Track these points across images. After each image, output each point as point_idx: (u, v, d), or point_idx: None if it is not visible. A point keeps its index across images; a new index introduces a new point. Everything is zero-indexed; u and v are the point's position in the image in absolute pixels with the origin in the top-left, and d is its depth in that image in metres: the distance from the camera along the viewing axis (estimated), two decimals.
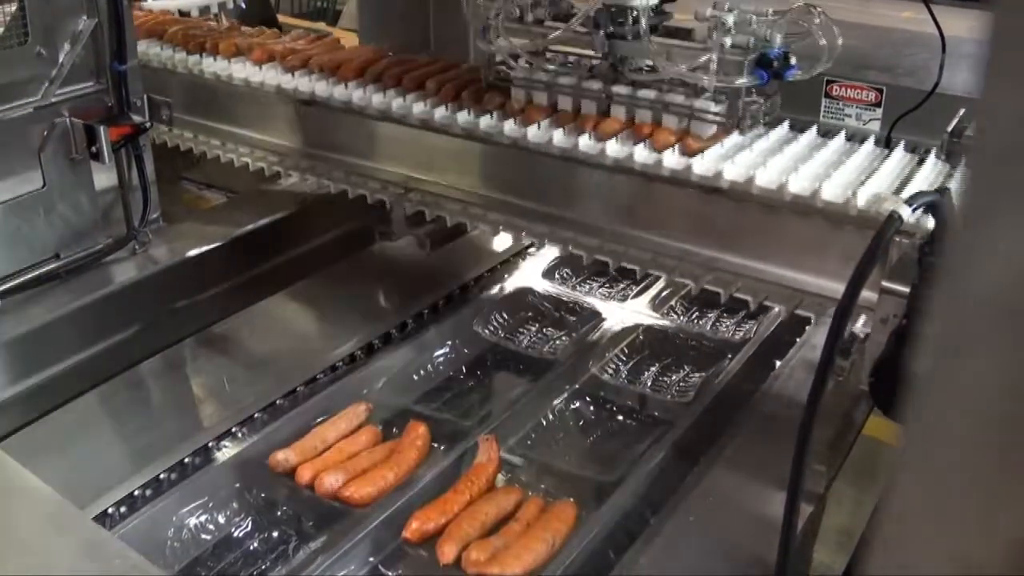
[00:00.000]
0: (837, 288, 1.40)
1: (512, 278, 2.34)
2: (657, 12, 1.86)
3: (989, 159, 0.32)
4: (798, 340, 2.05)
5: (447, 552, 1.48)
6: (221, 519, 1.64)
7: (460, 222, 2.13)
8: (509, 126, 1.95)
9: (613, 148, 1.83)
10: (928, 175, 1.74)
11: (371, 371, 1.97)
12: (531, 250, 2.44)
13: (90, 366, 1.98)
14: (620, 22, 1.84)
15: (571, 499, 1.64)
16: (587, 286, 2.38)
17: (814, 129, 1.93)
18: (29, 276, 2.01)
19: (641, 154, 1.80)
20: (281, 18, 5.04)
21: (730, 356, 2.03)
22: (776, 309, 2.12)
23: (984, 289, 0.32)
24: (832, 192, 1.63)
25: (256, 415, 1.82)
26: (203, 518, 1.63)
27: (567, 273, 2.41)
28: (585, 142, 1.86)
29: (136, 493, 1.61)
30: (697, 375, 2.05)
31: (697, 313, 2.26)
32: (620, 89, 1.90)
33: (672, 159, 1.79)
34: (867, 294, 1.37)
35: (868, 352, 1.51)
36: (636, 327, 2.14)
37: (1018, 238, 0.30)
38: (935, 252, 1.41)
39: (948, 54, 2.20)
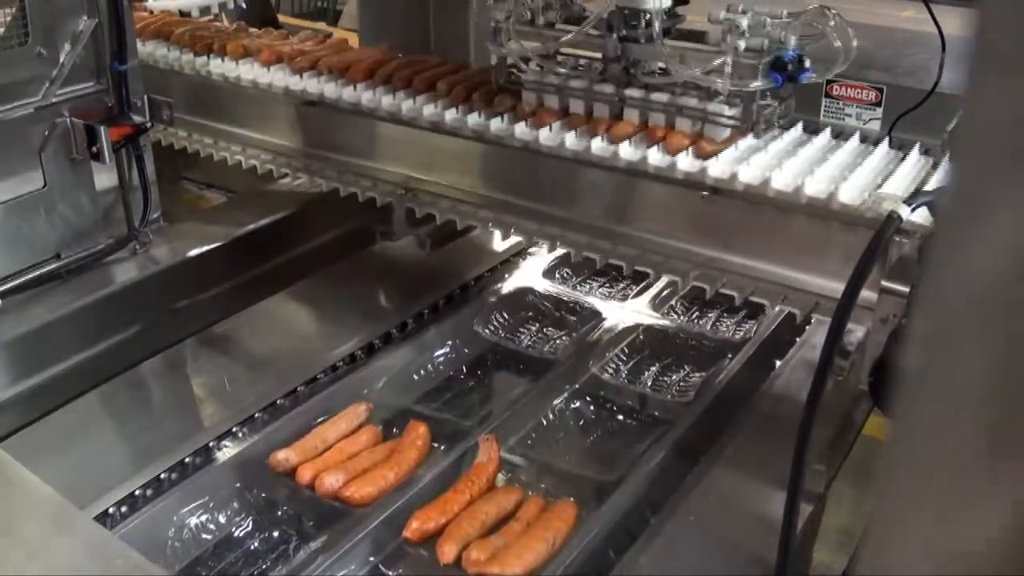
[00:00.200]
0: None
1: (512, 278, 2.35)
2: (670, 15, 1.85)
3: (975, 152, 0.32)
4: (798, 340, 2.05)
5: (447, 552, 1.48)
6: (222, 519, 1.64)
7: (470, 224, 2.13)
8: (520, 129, 1.94)
9: (626, 151, 1.82)
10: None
11: (371, 371, 1.97)
12: (531, 250, 2.44)
13: (91, 366, 1.99)
14: (633, 25, 1.83)
15: (571, 499, 1.64)
16: (587, 286, 2.38)
17: (828, 131, 1.93)
18: (30, 276, 2.01)
19: (655, 157, 1.79)
20: (281, 18, 5.04)
21: (730, 356, 2.03)
22: (776, 308, 2.12)
23: (971, 283, 0.32)
24: (849, 195, 1.62)
25: (257, 415, 1.82)
26: (204, 518, 1.63)
27: (567, 273, 2.41)
28: (598, 145, 1.85)
29: (137, 493, 1.61)
30: (697, 375, 2.05)
31: (697, 313, 2.26)
32: (633, 92, 1.89)
33: (686, 162, 1.77)
34: (867, 294, 1.38)
35: (868, 352, 1.52)
36: (636, 327, 2.15)
37: (1005, 231, 0.30)
38: None
39: (948, 54, 2.19)
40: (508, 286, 2.31)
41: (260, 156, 2.42)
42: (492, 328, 2.20)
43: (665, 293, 2.27)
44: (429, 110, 2.06)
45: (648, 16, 1.81)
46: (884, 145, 1.86)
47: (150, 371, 1.98)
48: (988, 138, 0.31)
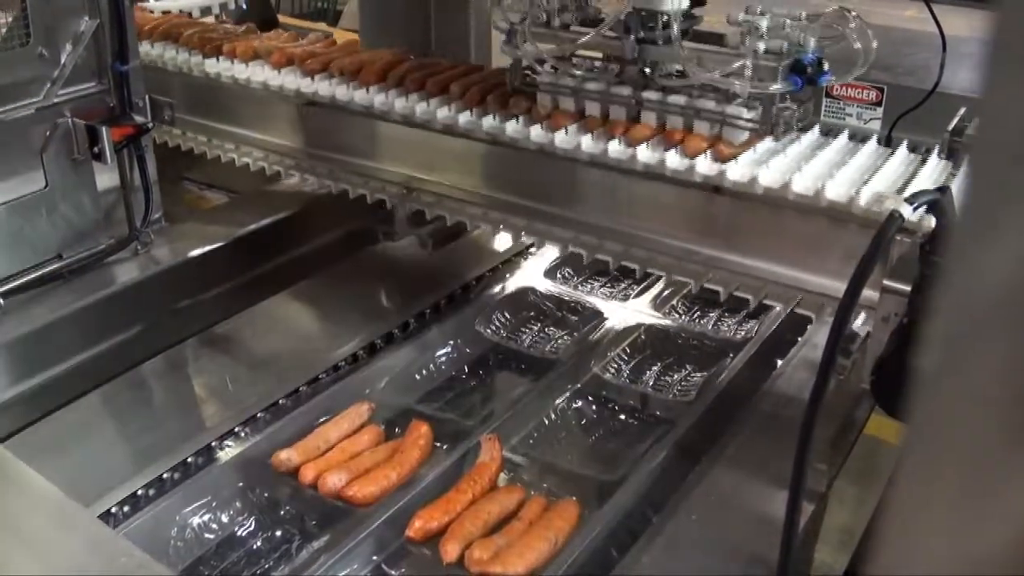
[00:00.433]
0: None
1: (514, 278, 2.35)
2: (687, 16, 1.83)
3: (992, 156, 0.32)
4: (799, 339, 2.05)
5: (450, 551, 1.49)
6: (224, 518, 1.64)
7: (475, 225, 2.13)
8: (536, 131, 1.93)
9: (644, 154, 1.81)
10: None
11: (373, 371, 1.97)
12: (532, 249, 2.44)
13: (93, 366, 1.99)
14: (651, 27, 1.82)
15: (573, 498, 1.64)
16: (588, 285, 2.38)
17: (845, 133, 1.92)
18: (32, 276, 2.01)
19: (673, 160, 1.79)
20: (281, 18, 5.04)
21: (732, 355, 2.04)
22: (777, 308, 2.13)
23: (989, 284, 0.32)
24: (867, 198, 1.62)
25: (259, 415, 1.83)
26: (206, 517, 1.63)
27: (568, 273, 2.41)
28: (615, 147, 1.84)
29: (139, 492, 1.61)
30: (699, 374, 2.05)
31: (699, 312, 2.26)
32: (650, 95, 1.87)
33: (705, 165, 1.77)
34: (868, 293, 1.38)
35: (870, 351, 1.52)
36: (638, 326, 2.15)
37: (1022, 232, 0.30)
38: (936, 250, 1.42)
39: (949, 53, 2.20)
40: (509, 286, 2.31)
41: (269, 157, 2.42)
42: (494, 328, 2.20)
43: (667, 293, 2.27)
44: (443, 113, 2.06)
45: (666, 18, 1.80)
46: (903, 149, 1.85)
47: (152, 371, 1.98)
48: (1005, 140, 0.31)
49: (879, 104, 2.43)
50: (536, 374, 2.04)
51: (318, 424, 1.80)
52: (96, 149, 2.05)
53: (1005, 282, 0.32)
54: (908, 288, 1.46)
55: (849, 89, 2.46)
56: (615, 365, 2.07)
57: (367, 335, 2.07)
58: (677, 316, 2.24)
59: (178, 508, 1.61)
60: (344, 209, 2.34)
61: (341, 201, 2.30)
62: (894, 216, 1.34)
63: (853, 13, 1.72)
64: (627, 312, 2.21)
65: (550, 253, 2.39)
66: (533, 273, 2.37)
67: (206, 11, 3.03)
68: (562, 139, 1.89)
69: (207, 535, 1.62)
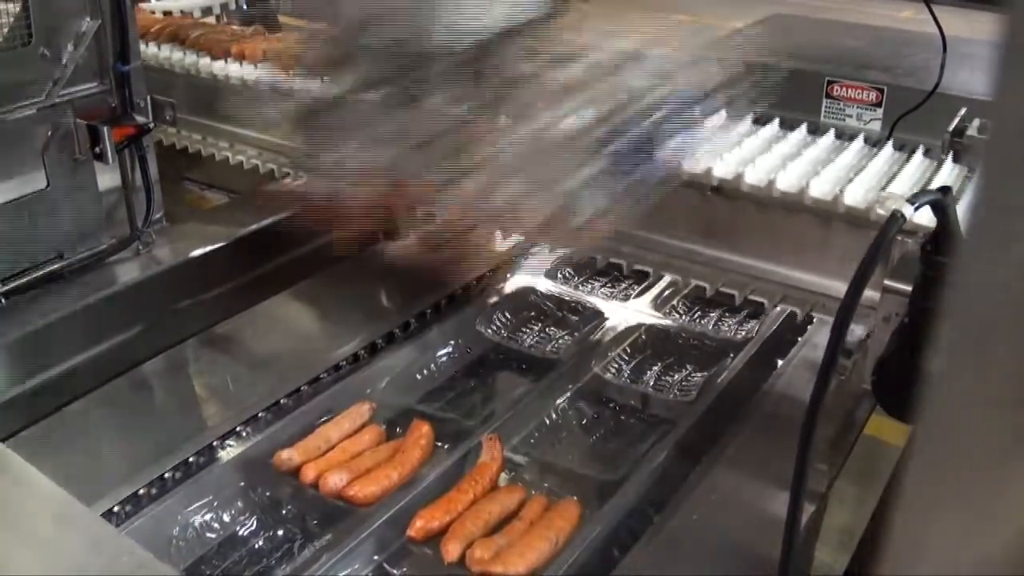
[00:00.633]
0: None
1: (514, 278, 2.35)
2: None
3: (1003, 158, 0.32)
4: (800, 339, 2.06)
5: (451, 550, 1.49)
6: (226, 518, 1.65)
7: None
8: None
9: None
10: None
11: (374, 370, 1.97)
12: (533, 250, 2.44)
13: (94, 366, 1.99)
14: None
15: (574, 498, 1.64)
16: (589, 286, 2.38)
17: (861, 137, 1.93)
18: (33, 276, 2.02)
19: None
20: (282, 19, 5.03)
21: (732, 355, 2.04)
22: (778, 308, 2.13)
23: (999, 288, 0.32)
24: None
25: (260, 414, 1.82)
26: (208, 517, 1.63)
27: (569, 273, 2.41)
28: None
29: (141, 492, 1.61)
30: (699, 374, 2.06)
31: (699, 313, 2.27)
32: None
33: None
34: (869, 293, 1.38)
35: (871, 351, 1.52)
36: (638, 327, 2.15)
37: None
38: (937, 250, 1.42)
39: (949, 54, 2.20)
40: (510, 286, 2.31)
41: (278, 159, 2.42)
42: (494, 328, 2.21)
43: (667, 293, 2.28)
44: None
45: None
46: (919, 154, 1.85)
47: (153, 371, 1.98)
48: (1015, 141, 0.31)
49: (879, 105, 2.43)
50: (537, 374, 2.04)
51: (319, 424, 1.80)
52: (97, 149, 2.06)
53: (1015, 284, 0.32)
54: (909, 288, 1.46)
55: (849, 90, 2.46)
56: (616, 365, 2.07)
57: (368, 335, 2.07)
58: (678, 316, 2.24)
59: (179, 507, 1.61)
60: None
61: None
62: (896, 216, 1.34)
63: None
64: (628, 312, 2.21)
65: (551, 253, 2.39)
66: (534, 273, 2.37)
67: (207, 11, 3.04)
68: None
69: (209, 534, 1.62)
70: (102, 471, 1.66)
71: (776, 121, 2.50)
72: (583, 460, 1.85)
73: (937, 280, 1.40)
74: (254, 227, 2.36)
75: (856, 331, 1.81)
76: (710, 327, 2.21)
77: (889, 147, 1.88)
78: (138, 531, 1.52)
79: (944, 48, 2.19)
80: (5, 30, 1.94)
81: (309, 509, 1.65)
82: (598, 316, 2.20)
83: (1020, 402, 0.34)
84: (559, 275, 2.39)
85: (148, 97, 2.15)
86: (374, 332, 2.09)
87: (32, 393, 1.90)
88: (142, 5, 2.84)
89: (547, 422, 1.91)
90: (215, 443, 1.74)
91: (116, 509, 1.57)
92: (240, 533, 1.64)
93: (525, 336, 2.21)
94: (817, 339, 2.01)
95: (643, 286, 2.31)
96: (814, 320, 2.11)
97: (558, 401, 1.95)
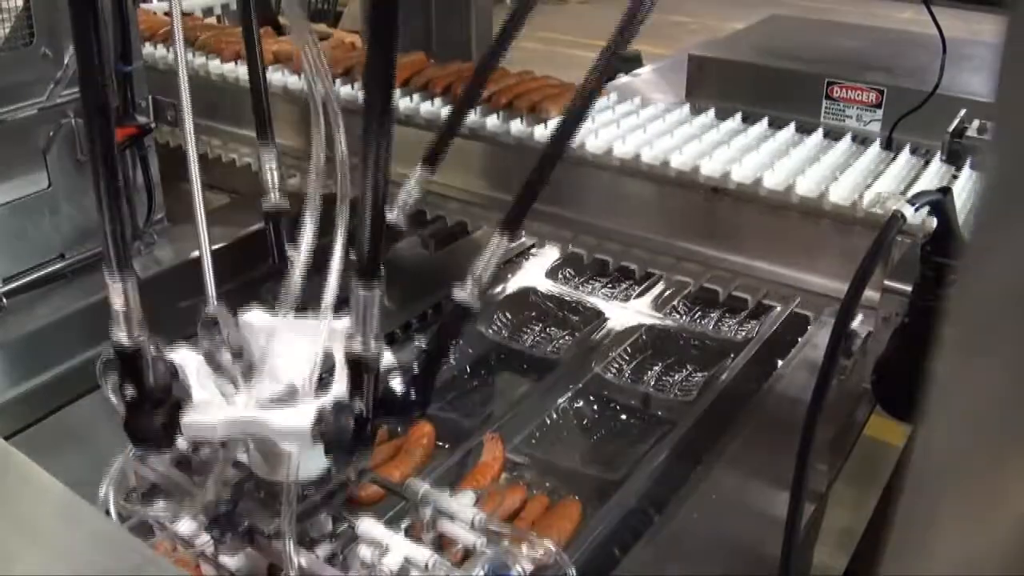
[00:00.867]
0: None
1: (515, 278, 2.35)
2: None
3: (1007, 157, 0.32)
4: (800, 339, 2.06)
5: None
6: None
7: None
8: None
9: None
10: None
11: None
12: (534, 250, 2.45)
13: (95, 366, 1.99)
14: None
15: (575, 497, 1.65)
16: (590, 286, 2.39)
17: (877, 143, 1.93)
18: (34, 276, 2.02)
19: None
20: (282, 19, 5.04)
21: (732, 355, 2.04)
22: (778, 308, 2.14)
23: (1005, 288, 0.33)
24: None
25: None
26: None
27: (570, 273, 2.42)
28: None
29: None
30: (700, 374, 2.06)
31: (699, 313, 2.27)
32: None
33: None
34: (869, 293, 1.39)
35: (870, 351, 1.53)
36: (639, 327, 2.15)
37: None
38: (936, 251, 1.42)
39: (949, 55, 2.21)
40: (511, 286, 2.32)
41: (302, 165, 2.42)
42: (495, 328, 2.21)
43: (668, 293, 2.28)
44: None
45: None
46: (936, 160, 1.85)
47: None
48: (1020, 143, 0.32)
49: (879, 106, 2.44)
50: (538, 374, 2.05)
51: None
52: None
53: (1020, 285, 0.32)
54: (909, 288, 1.47)
55: (849, 91, 2.47)
56: (616, 365, 2.08)
57: None
58: (678, 316, 2.25)
59: None
60: None
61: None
62: (896, 216, 1.35)
63: None
64: (628, 313, 2.21)
65: (552, 253, 2.39)
66: (534, 273, 2.37)
67: (208, 11, 3.04)
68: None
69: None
70: (102, 472, 1.65)
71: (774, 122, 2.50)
72: (584, 460, 1.86)
73: (937, 280, 1.40)
74: (255, 227, 2.36)
75: (856, 331, 1.82)
76: (710, 327, 2.22)
77: (905, 151, 1.89)
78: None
79: (944, 49, 2.19)
80: (7, 29, 1.94)
81: None
82: (598, 316, 2.21)
83: (1020, 402, 0.35)
84: (560, 275, 2.40)
85: (150, 97, 2.15)
86: None
87: (33, 393, 1.90)
88: (146, 7, 2.85)
89: (548, 422, 1.91)
90: None
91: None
92: None
93: (526, 336, 2.22)
94: (817, 339, 2.01)
95: (643, 286, 2.32)
96: (814, 320, 2.11)
97: (559, 401, 1.96)
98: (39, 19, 1.95)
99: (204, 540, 1.27)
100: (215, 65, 2.43)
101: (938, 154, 1.84)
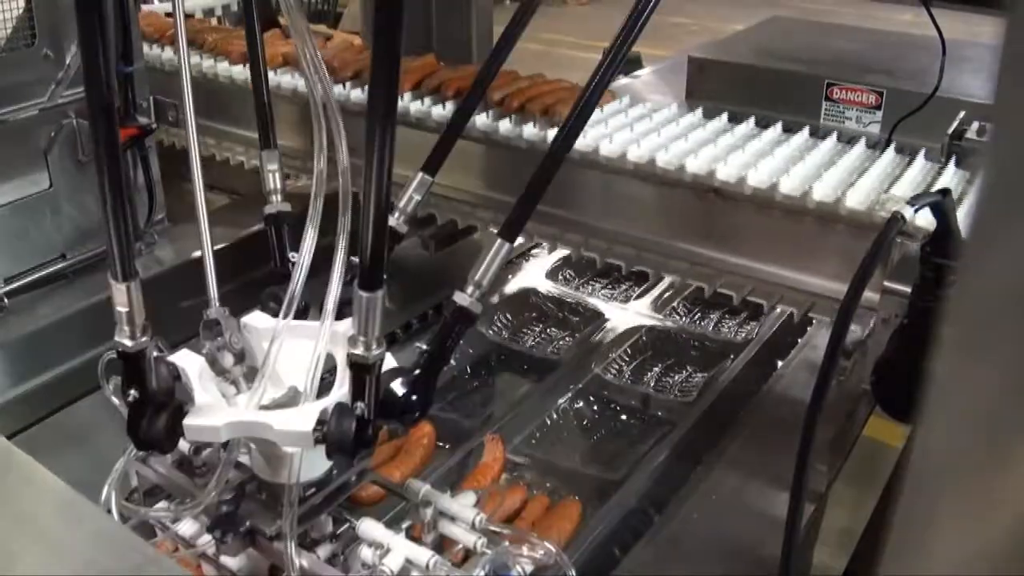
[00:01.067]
0: None
1: (516, 279, 2.36)
2: None
3: (1005, 158, 0.33)
4: (800, 341, 2.06)
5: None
6: None
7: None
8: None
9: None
10: None
11: None
12: (534, 251, 2.45)
13: (96, 366, 1.99)
14: None
15: (576, 498, 1.65)
16: (590, 287, 2.39)
17: (892, 147, 1.93)
18: (36, 276, 2.02)
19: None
20: (282, 20, 5.05)
21: (732, 356, 2.05)
22: (778, 309, 2.14)
23: (1004, 288, 0.33)
24: None
25: None
26: None
27: (570, 274, 2.42)
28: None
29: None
30: (700, 375, 2.07)
31: (699, 314, 2.28)
32: None
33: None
34: (869, 294, 1.39)
35: (870, 352, 1.53)
36: (639, 328, 2.16)
37: None
38: (936, 252, 1.43)
39: (948, 57, 2.21)
40: (511, 287, 2.32)
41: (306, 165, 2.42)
42: (496, 329, 2.21)
43: (668, 294, 2.28)
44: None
45: None
46: (952, 165, 1.85)
47: None
48: (1018, 144, 0.32)
49: (878, 108, 2.44)
50: (538, 375, 2.05)
51: None
52: None
53: (1018, 285, 0.32)
54: (908, 289, 1.47)
55: (848, 93, 2.47)
56: (616, 366, 2.08)
57: None
58: (678, 318, 2.25)
59: None
60: None
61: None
62: (896, 218, 1.35)
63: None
64: (628, 314, 2.22)
65: (552, 255, 2.40)
66: (535, 274, 2.38)
67: (208, 12, 3.05)
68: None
69: None
70: (105, 471, 1.66)
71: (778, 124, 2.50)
72: (584, 460, 1.86)
73: (937, 281, 1.40)
74: (256, 228, 2.36)
75: (856, 332, 1.82)
76: (710, 328, 2.22)
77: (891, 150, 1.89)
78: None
79: (944, 51, 2.20)
80: (8, 31, 1.94)
81: None
82: (599, 317, 2.21)
83: (1020, 402, 0.35)
84: (560, 276, 2.40)
85: (151, 98, 2.16)
86: None
87: (34, 393, 1.90)
88: (149, 8, 2.85)
89: (548, 422, 1.92)
90: None
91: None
92: None
93: (526, 337, 2.22)
94: (817, 340, 2.01)
95: (643, 287, 2.32)
96: (814, 321, 2.11)
97: (559, 402, 1.96)
98: (41, 20, 1.96)
99: (206, 541, 1.27)
100: (223, 67, 2.43)
101: (952, 158, 1.84)
